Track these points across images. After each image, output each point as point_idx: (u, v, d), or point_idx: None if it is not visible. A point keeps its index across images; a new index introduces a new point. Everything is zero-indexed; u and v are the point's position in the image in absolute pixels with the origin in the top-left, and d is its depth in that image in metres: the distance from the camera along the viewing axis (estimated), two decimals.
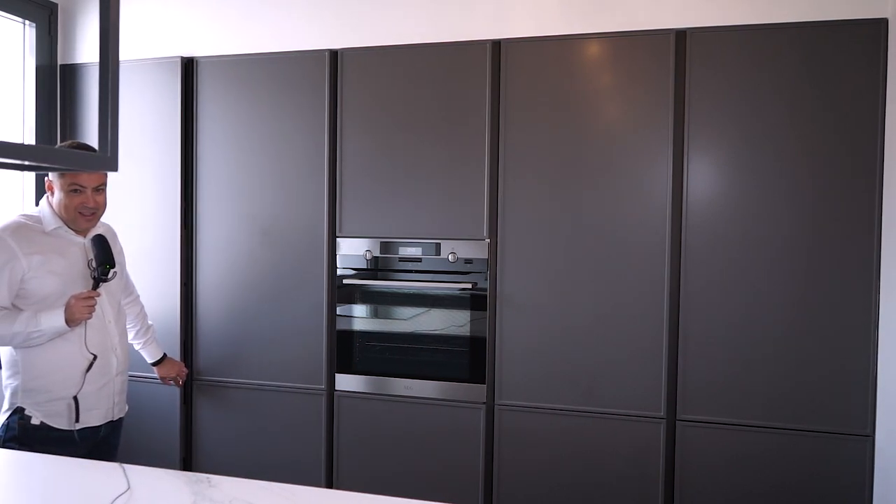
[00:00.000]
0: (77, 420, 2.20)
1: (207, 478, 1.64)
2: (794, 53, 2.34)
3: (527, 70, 2.57)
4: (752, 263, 2.39)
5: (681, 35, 2.44)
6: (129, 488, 1.56)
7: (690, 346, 2.45)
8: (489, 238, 2.63)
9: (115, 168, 1.19)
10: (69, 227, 2.22)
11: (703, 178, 2.43)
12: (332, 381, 2.82)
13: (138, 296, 2.68)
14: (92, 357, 2.21)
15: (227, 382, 2.93)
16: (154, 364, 2.71)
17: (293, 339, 2.83)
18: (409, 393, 2.73)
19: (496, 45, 2.60)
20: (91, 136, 3.05)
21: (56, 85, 3.10)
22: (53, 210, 2.21)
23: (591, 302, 2.53)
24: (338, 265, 2.80)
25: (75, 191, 2.16)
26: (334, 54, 2.78)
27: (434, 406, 2.71)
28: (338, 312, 2.81)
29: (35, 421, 2.18)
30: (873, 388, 2.30)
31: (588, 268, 2.53)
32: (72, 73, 3.09)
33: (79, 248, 2.24)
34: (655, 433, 2.49)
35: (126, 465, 1.69)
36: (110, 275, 2.19)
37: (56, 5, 3.09)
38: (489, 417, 2.66)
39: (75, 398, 2.19)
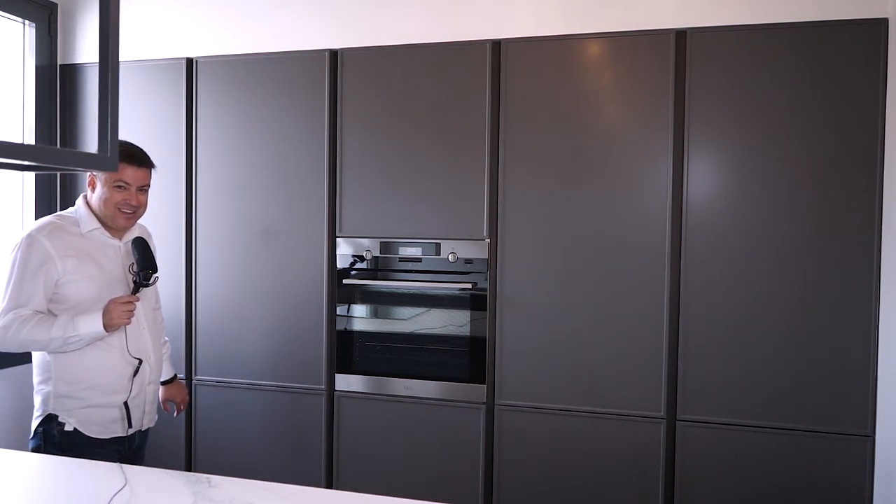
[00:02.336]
0: (130, 426, 2.13)
1: (207, 478, 1.64)
2: (794, 53, 2.34)
3: (527, 70, 2.57)
4: (752, 263, 2.39)
5: (681, 35, 2.44)
6: (128, 488, 1.56)
7: (690, 346, 2.45)
8: (489, 238, 2.63)
9: (115, 168, 1.19)
10: (106, 228, 2.14)
11: (702, 177, 2.43)
12: (332, 381, 2.82)
13: (161, 307, 2.57)
14: (137, 362, 2.13)
15: (226, 382, 2.93)
16: (162, 383, 2.50)
17: (293, 339, 2.83)
18: (409, 393, 2.73)
19: (496, 45, 2.60)
20: (91, 136, 3.05)
21: (56, 85, 3.10)
22: (91, 210, 2.13)
23: (591, 302, 2.53)
24: (338, 265, 2.80)
25: (119, 187, 2.09)
26: (334, 54, 2.78)
27: (434, 406, 2.71)
28: (338, 312, 2.81)
29: (68, 427, 2.09)
30: (873, 388, 2.30)
31: (588, 268, 2.53)
32: (72, 73, 3.09)
33: (114, 251, 2.15)
34: (655, 433, 2.49)
35: (126, 466, 1.69)
36: (152, 280, 2.11)
37: (56, 5, 3.09)
38: (489, 417, 2.66)
39: (126, 404, 2.12)
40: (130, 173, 2.09)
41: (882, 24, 2.26)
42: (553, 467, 2.59)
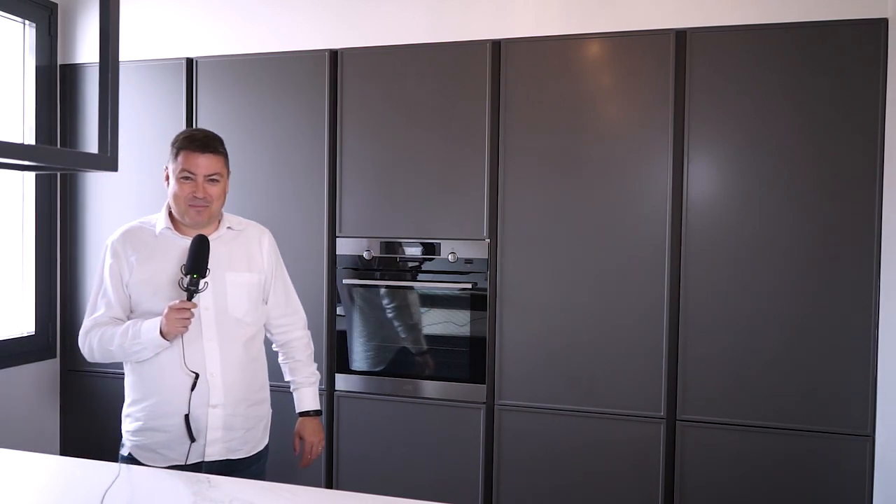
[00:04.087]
0: (193, 440, 1.87)
1: (207, 478, 1.64)
2: (794, 53, 2.34)
3: (527, 70, 2.57)
4: (752, 262, 2.39)
5: (681, 35, 2.44)
6: (124, 484, 1.56)
7: (690, 345, 2.45)
8: (489, 238, 2.63)
9: (114, 168, 1.19)
10: (181, 225, 1.95)
11: (702, 177, 2.43)
12: (331, 381, 2.82)
13: (303, 319, 2.19)
14: (195, 375, 1.86)
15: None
16: (301, 415, 2.18)
17: None
18: (409, 393, 2.73)
19: (496, 45, 2.60)
20: (91, 136, 3.05)
21: (56, 85, 3.10)
22: (168, 208, 1.97)
23: (591, 301, 2.53)
24: (337, 265, 2.80)
25: (186, 178, 1.89)
26: (334, 54, 2.78)
27: (434, 406, 2.71)
28: (338, 312, 2.81)
29: (124, 451, 1.94)
30: (873, 388, 2.30)
31: (588, 267, 2.53)
32: (72, 73, 3.09)
33: (185, 252, 1.91)
34: (655, 433, 2.49)
35: (126, 465, 1.69)
36: (201, 286, 1.84)
37: (56, 5, 3.09)
38: (489, 417, 2.66)
39: (186, 417, 1.86)
40: (195, 161, 1.88)
41: (882, 24, 2.26)
42: (553, 467, 2.59)
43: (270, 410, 2.12)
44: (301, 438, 2.16)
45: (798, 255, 2.36)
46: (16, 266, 3.06)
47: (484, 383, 2.65)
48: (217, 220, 1.99)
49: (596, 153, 2.52)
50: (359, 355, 2.80)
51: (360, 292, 2.81)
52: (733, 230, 2.41)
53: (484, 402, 2.66)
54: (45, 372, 3.06)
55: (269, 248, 2.08)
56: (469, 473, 2.67)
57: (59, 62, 3.11)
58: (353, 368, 2.80)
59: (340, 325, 2.81)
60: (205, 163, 1.89)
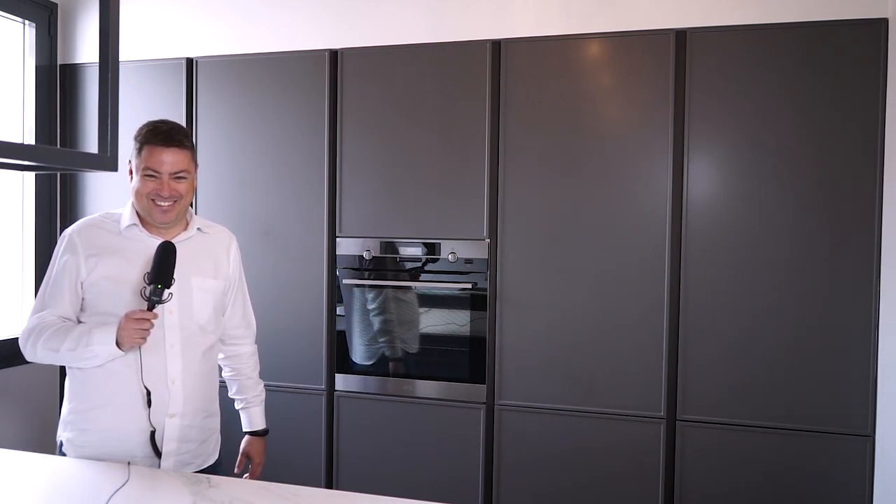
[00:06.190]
0: (159, 454, 1.78)
1: (207, 478, 1.64)
2: (794, 53, 2.34)
3: (527, 70, 2.57)
4: (752, 262, 2.39)
5: (681, 35, 2.44)
6: (129, 486, 1.56)
7: (690, 345, 2.45)
8: (489, 238, 2.63)
9: (114, 168, 1.20)
10: (148, 223, 1.82)
11: (702, 177, 2.43)
12: (331, 381, 2.82)
13: (254, 333, 2.09)
14: (146, 392, 1.76)
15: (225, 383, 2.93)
16: (250, 434, 2.07)
17: (293, 339, 2.83)
18: (409, 393, 2.73)
19: (496, 45, 2.60)
20: (91, 136, 3.05)
21: (56, 85, 3.10)
22: (133, 205, 1.83)
23: (591, 301, 2.53)
24: (337, 265, 2.80)
25: (150, 176, 1.76)
26: (334, 54, 2.78)
27: (434, 406, 2.71)
28: (338, 312, 2.81)
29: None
30: (873, 388, 2.30)
31: (588, 267, 2.53)
32: (72, 73, 3.09)
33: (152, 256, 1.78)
34: (655, 433, 2.49)
35: (134, 466, 1.69)
36: (165, 296, 1.71)
37: (56, 5, 3.09)
38: (489, 417, 2.66)
39: (152, 434, 1.77)
40: (159, 157, 1.75)
41: (882, 24, 2.26)
42: (553, 467, 2.59)
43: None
44: (248, 457, 2.06)
45: (798, 255, 2.36)
46: (16, 266, 3.06)
47: (484, 383, 2.65)
48: (185, 219, 1.88)
49: (596, 153, 2.52)
50: (359, 355, 2.80)
51: (360, 292, 2.81)
52: (733, 230, 2.41)
53: (484, 402, 2.66)
54: (45, 372, 3.06)
55: (235, 256, 2.00)
56: (469, 473, 2.67)
57: (59, 62, 3.11)
58: (353, 368, 2.80)
59: (340, 325, 2.81)
60: (170, 159, 1.76)
